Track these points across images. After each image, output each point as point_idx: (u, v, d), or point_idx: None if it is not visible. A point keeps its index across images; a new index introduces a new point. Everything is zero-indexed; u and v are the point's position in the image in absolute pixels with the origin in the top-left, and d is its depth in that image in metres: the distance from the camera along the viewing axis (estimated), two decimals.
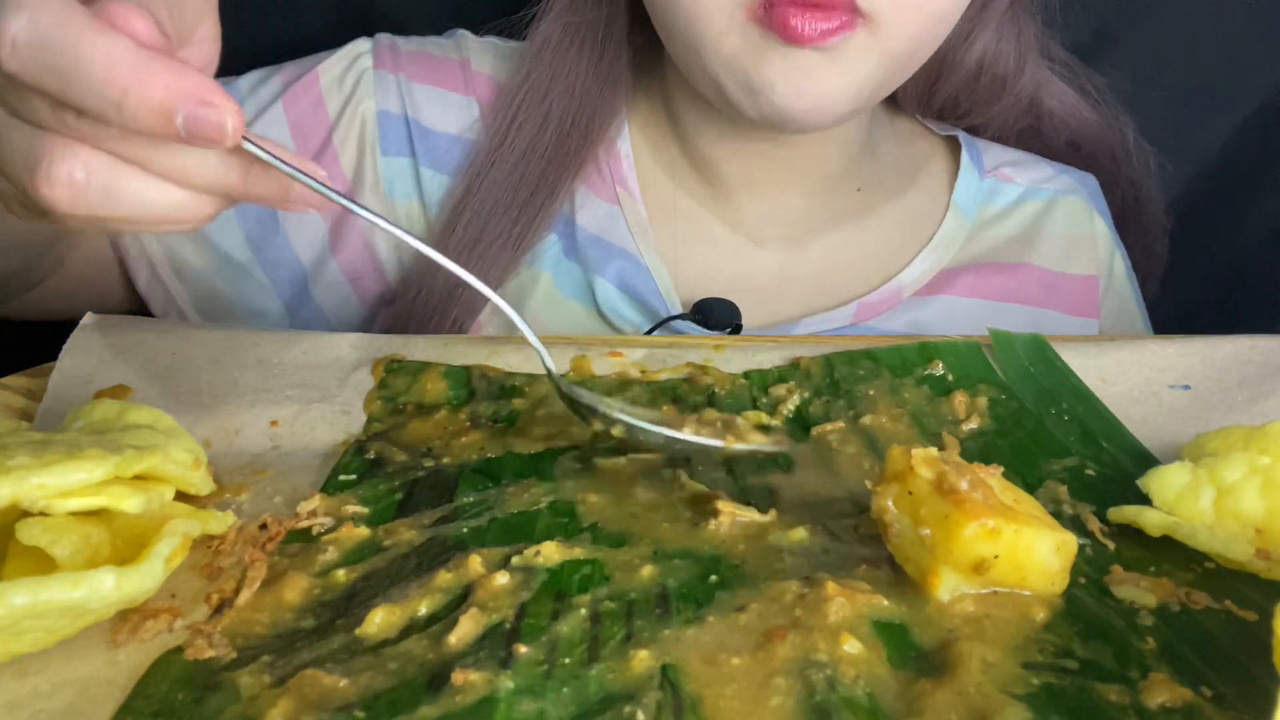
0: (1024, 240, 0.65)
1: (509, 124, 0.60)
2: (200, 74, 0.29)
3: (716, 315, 0.59)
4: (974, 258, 0.64)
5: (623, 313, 0.61)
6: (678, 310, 0.60)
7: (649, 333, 0.59)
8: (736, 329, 0.59)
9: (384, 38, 0.64)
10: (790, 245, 0.63)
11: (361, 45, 0.63)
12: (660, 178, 0.64)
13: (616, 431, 0.38)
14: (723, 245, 0.63)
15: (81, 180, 0.30)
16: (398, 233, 0.35)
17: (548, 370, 0.39)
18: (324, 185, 0.33)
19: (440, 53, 0.64)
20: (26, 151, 0.30)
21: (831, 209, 0.63)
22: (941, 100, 0.67)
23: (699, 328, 0.59)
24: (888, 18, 0.50)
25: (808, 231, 0.63)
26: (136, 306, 0.61)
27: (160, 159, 0.31)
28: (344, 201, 0.34)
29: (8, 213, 0.34)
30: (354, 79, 0.62)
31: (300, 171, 0.33)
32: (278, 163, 0.32)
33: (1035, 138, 0.69)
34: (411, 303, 0.61)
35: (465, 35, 0.66)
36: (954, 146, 0.67)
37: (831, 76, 0.51)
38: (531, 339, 0.38)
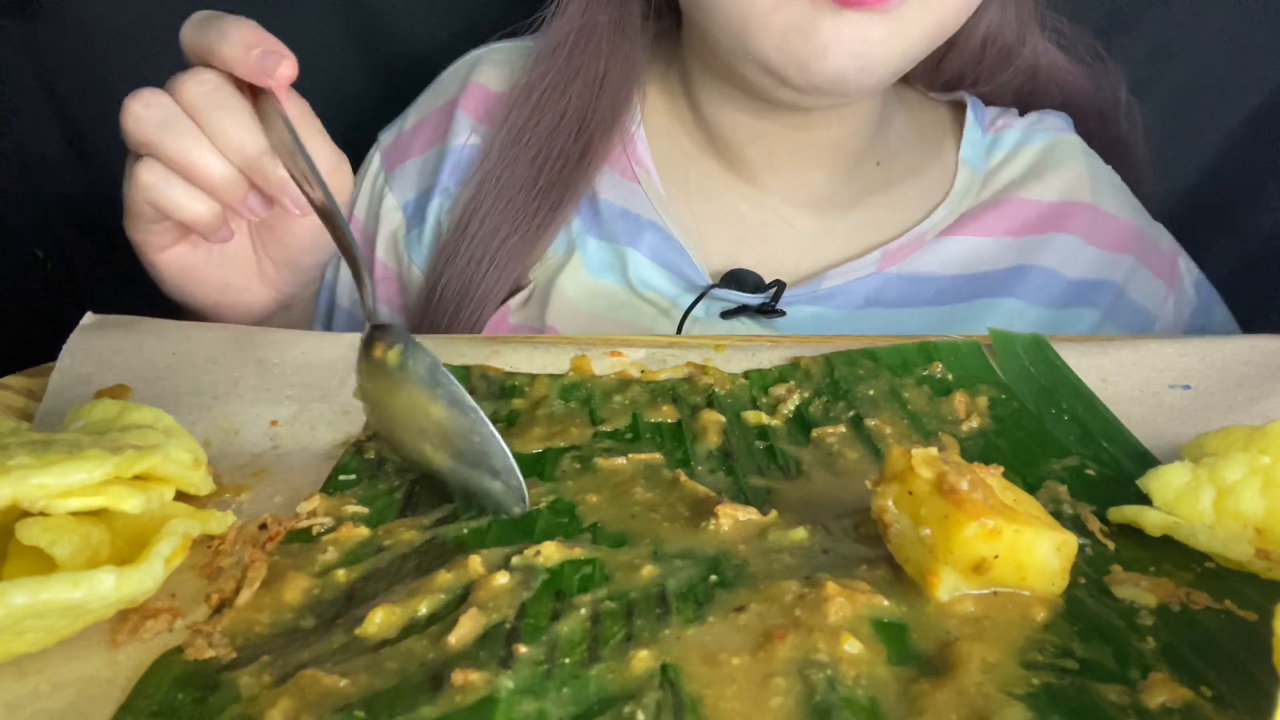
0: (1034, 174, 0.67)
1: (525, 121, 0.62)
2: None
3: (750, 283, 0.60)
4: (992, 196, 0.66)
5: (655, 284, 0.61)
6: (709, 280, 0.61)
7: (692, 306, 0.60)
8: (780, 288, 0.60)
9: (385, 137, 0.68)
10: (817, 218, 0.65)
11: (372, 162, 0.68)
12: (676, 160, 0.65)
13: None
14: (750, 221, 0.64)
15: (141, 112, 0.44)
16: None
17: None
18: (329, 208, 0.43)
19: (432, 106, 0.67)
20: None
21: (854, 186, 0.65)
22: (949, 73, 0.69)
23: (740, 294, 0.60)
24: None
25: (833, 207, 0.65)
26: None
27: (213, 116, 0.44)
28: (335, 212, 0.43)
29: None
30: (377, 199, 0.67)
31: (314, 169, 0.43)
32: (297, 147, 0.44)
33: (1029, 99, 0.71)
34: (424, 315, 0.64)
35: (469, 59, 0.68)
36: (956, 112, 0.69)
37: (885, 38, 0.52)
38: None
